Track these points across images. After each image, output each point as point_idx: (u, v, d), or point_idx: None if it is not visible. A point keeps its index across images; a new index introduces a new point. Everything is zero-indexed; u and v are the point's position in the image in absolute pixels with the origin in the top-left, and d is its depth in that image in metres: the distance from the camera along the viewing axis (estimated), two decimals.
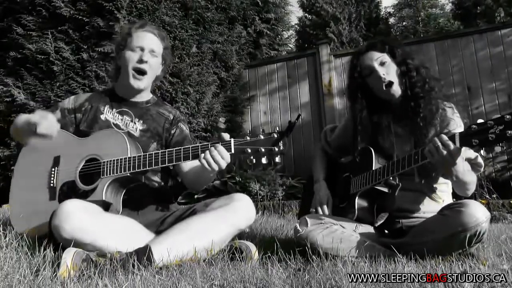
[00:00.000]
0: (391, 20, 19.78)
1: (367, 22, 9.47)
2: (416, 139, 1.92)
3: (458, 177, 1.73)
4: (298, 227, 1.92)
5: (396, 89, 1.96)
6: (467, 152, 1.68)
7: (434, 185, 1.97)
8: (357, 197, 1.95)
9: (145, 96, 2.16)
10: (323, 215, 2.00)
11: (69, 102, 2.14)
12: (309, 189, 2.33)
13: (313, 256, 1.67)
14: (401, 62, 1.97)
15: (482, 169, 1.87)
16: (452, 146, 1.57)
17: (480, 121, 1.53)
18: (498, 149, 1.50)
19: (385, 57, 1.99)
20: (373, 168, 1.91)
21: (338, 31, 8.99)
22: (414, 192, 1.96)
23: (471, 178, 1.80)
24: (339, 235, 1.84)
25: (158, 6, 4.67)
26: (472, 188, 1.84)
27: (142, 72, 2.04)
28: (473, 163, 1.82)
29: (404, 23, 22.67)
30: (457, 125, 1.92)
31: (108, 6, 4.48)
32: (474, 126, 1.54)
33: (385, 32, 9.69)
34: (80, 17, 4.56)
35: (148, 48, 2.04)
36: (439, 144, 1.60)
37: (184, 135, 2.16)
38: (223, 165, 1.70)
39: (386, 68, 1.97)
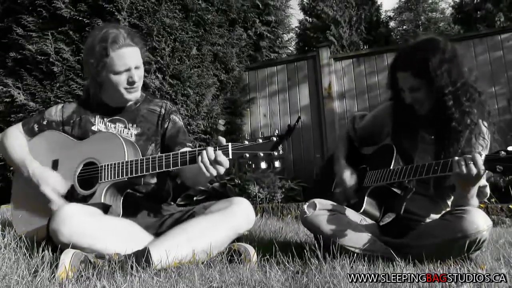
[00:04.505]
0: (392, 24, 19.81)
1: (367, 25, 9.46)
2: (438, 151, 1.89)
3: (467, 197, 1.72)
4: (305, 209, 1.93)
5: (422, 109, 1.91)
6: None
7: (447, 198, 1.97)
8: (368, 191, 1.95)
9: None
10: (333, 203, 1.98)
11: (56, 114, 2.08)
12: (322, 174, 2.30)
13: (312, 259, 1.66)
14: (437, 91, 1.83)
15: (485, 199, 1.87)
16: (482, 169, 1.55)
17: (510, 148, 1.51)
18: None
19: (418, 83, 1.85)
20: (391, 167, 1.90)
21: (339, 34, 8.99)
22: (426, 198, 1.96)
23: (475, 203, 1.78)
24: (344, 224, 1.85)
25: (159, 8, 4.67)
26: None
27: (135, 87, 1.97)
28: (480, 191, 1.79)
29: (404, 26, 22.70)
30: (483, 148, 1.88)
31: (108, 7, 4.48)
32: (503, 152, 1.52)
33: (386, 36, 9.68)
34: (80, 18, 4.55)
35: (134, 65, 1.92)
36: (472, 162, 1.57)
37: (177, 128, 2.09)
38: (222, 171, 1.66)
39: (417, 94, 1.88)
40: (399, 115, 2.04)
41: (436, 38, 1.91)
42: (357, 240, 1.80)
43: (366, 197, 1.94)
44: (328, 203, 1.96)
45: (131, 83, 1.94)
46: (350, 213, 1.95)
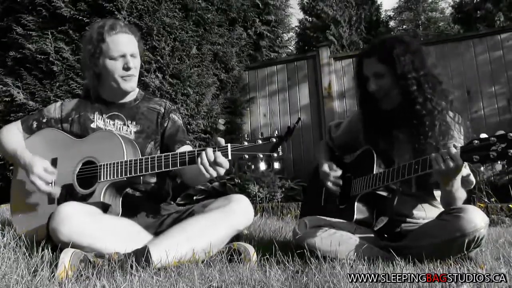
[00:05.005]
0: (392, 23, 19.82)
1: (367, 25, 9.47)
2: (415, 148, 1.89)
3: (452, 191, 1.73)
4: (297, 229, 1.92)
5: (388, 103, 1.94)
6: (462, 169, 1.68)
7: (434, 192, 1.97)
8: (356, 200, 1.95)
9: (133, 93, 2.10)
10: (323, 217, 1.99)
11: (55, 111, 2.08)
12: (310, 190, 2.31)
13: (312, 259, 1.66)
14: (401, 77, 1.88)
15: (472, 187, 1.86)
16: (460, 161, 1.56)
17: (483, 135, 1.51)
18: (499, 167, 1.48)
19: (382, 69, 1.91)
20: (374, 172, 1.90)
21: (339, 33, 8.99)
22: (415, 198, 1.96)
23: (462, 195, 1.78)
24: (337, 237, 1.84)
25: (159, 7, 4.66)
26: (459, 204, 1.82)
27: (130, 75, 1.99)
28: (464, 180, 1.79)
29: (404, 26, 22.72)
30: (457, 138, 1.89)
31: (108, 6, 4.48)
32: (476, 141, 1.51)
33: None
34: (80, 17, 4.55)
35: (129, 53, 1.96)
36: (448, 156, 1.58)
37: (177, 126, 2.10)
38: (222, 172, 1.66)
39: (381, 81, 1.92)
40: (364, 108, 2.05)
41: (403, 36, 1.96)
42: (352, 251, 1.79)
43: (356, 205, 1.94)
44: (318, 220, 1.96)
45: (126, 69, 1.96)
46: (343, 225, 1.94)
